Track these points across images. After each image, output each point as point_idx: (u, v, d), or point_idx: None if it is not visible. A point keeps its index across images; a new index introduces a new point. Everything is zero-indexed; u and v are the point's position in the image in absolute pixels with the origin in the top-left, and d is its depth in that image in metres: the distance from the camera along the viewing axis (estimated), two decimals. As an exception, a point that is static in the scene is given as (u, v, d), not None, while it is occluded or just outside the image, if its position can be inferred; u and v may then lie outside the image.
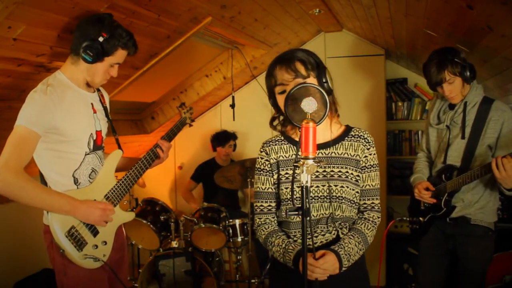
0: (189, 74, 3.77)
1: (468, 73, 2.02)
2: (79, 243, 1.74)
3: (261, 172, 1.58)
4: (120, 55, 1.78)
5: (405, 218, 2.51)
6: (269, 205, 1.57)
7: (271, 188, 1.57)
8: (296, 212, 1.23)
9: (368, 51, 3.72)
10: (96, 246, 1.80)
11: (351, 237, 1.47)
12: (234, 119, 3.66)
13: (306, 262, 1.25)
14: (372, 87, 3.73)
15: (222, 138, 3.86)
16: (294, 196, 1.46)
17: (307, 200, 1.22)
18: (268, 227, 1.56)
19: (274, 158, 1.56)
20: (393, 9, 2.42)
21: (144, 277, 3.22)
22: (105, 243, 1.85)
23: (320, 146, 1.51)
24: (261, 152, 1.59)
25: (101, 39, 1.68)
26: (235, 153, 4.11)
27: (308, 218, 1.23)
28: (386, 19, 2.70)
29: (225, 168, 3.45)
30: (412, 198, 2.44)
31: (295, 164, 1.22)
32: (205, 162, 4.06)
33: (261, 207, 1.58)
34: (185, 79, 3.80)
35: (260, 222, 1.58)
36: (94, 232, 1.81)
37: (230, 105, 3.64)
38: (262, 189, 1.58)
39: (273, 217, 1.58)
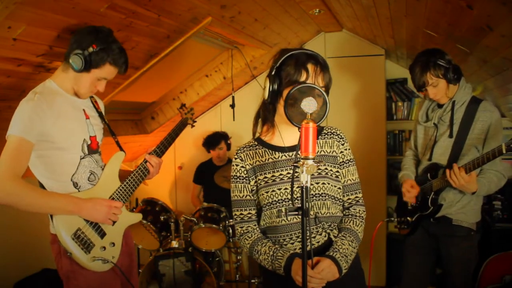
0: (189, 74, 3.77)
1: (451, 75, 2.03)
2: (86, 245, 1.72)
3: (238, 179, 1.54)
4: (108, 70, 1.75)
5: (392, 219, 2.52)
6: (249, 213, 1.54)
7: (249, 195, 1.54)
8: (296, 212, 1.22)
9: (368, 51, 3.72)
10: (104, 248, 1.78)
11: (343, 237, 1.46)
12: (234, 119, 3.66)
13: (306, 264, 1.24)
14: (372, 87, 3.73)
15: (212, 142, 3.86)
16: (281, 198, 1.45)
17: (307, 200, 1.20)
18: (252, 236, 1.52)
19: (250, 164, 1.53)
20: (393, 9, 2.42)
21: (144, 277, 3.22)
22: (113, 244, 1.83)
23: (294, 148, 1.49)
24: (235, 159, 1.56)
25: (90, 49, 1.67)
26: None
27: (307, 219, 1.22)
28: (386, 19, 2.70)
29: (225, 168, 3.45)
30: (399, 198, 2.45)
31: (295, 164, 1.21)
32: (202, 163, 4.08)
33: (241, 216, 1.54)
34: (185, 79, 3.79)
35: (242, 231, 1.54)
36: (101, 233, 1.78)
37: (230, 105, 3.64)
38: (240, 197, 1.54)
39: (255, 225, 1.55)
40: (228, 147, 3.93)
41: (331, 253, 1.40)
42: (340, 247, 1.42)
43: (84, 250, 1.72)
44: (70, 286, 1.76)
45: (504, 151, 1.74)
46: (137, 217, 1.97)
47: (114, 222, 1.83)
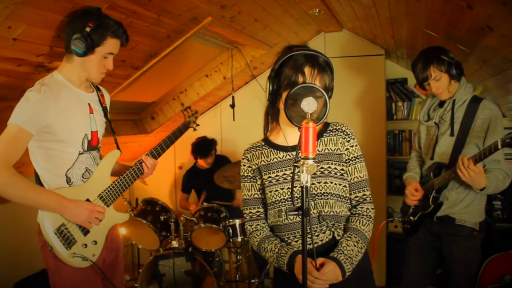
0: (189, 74, 3.77)
1: (454, 70, 2.05)
2: (68, 241, 1.73)
3: (245, 179, 1.58)
4: (111, 44, 1.74)
5: (397, 219, 2.52)
6: (258, 211, 1.57)
7: (257, 194, 1.57)
8: (296, 212, 1.22)
9: (368, 51, 3.72)
10: (86, 245, 1.79)
11: (348, 238, 1.45)
12: (234, 119, 3.66)
13: (306, 263, 1.24)
14: (372, 87, 3.73)
15: (204, 150, 3.75)
16: (284, 197, 1.46)
17: (307, 200, 1.20)
18: (260, 234, 1.55)
19: (256, 163, 1.56)
20: (393, 9, 2.43)
21: (144, 277, 3.22)
22: (95, 242, 1.83)
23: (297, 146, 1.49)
24: (243, 159, 1.60)
25: (88, 29, 1.65)
26: (235, 153, 4.11)
27: (308, 218, 1.22)
28: (386, 19, 2.70)
29: (225, 168, 3.45)
30: (404, 199, 2.45)
31: (295, 164, 1.21)
32: (188, 171, 4.02)
33: (250, 214, 1.58)
34: (185, 79, 3.79)
35: (251, 230, 1.57)
36: (85, 231, 1.80)
37: (230, 105, 3.64)
38: (248, 196, 1.58)
39: (264, 223, 1.57)
40: (215, 151, 3.88)
41: (335, 255, 1.40)
42: (344, 249, 1.41)
43: (65, 246, 1.73)
44: (53, 279, 1.78)
45: (499, 147, 1.74)
46: (123, 217, 1.97)
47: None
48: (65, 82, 1.75)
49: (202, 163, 3.83)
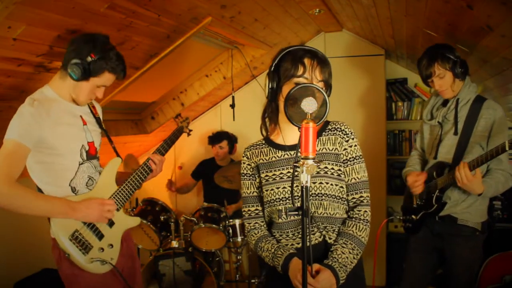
0: (189, 74, 3.77)
1: (458, 69, 2.05)
2: (84, 247, 1.73)
3: (245, 176, 1.59)
4: (107, 78, 1.75)
5: (398, 217, 2.52)
6: (256, 209, 1.57)
7: (256, 192, 1.57)
8: (296, 212, 1.22)
9: (368, 51, 3.72)
10: (102, 249, 1.79)
11: (344, 245, 1.43)
12: (234, 119, 3.66)
13: (306, 263, 1.23)
14: (372, 87, 3.73)
15: (215, 138, 3.85)
16: (281, 196, 1.46)
17: (307, 200, 1.20)
18: (258, 232, 1.56)
19: (255, 161, 1.56)
20: (393, 9, 2.43)
21: (144, 277, 3.21)
22: (111, 246, 1.84)
23: (295, 147, 1.48)
24: (243, 157, 1.60)
25: (89, 59, 1.67)
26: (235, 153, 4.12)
27: (307, 219, 1.21)
28: (386, 19, 2.70)
29: (225, 168, 3.45)
30: (405, 197, 2.45)
31: (295, 164, 1.21)
32: (205, 160, 4.07)
33: (249, 212, 1.58)
34: (185, 79, 3.80)
35: (250, 228, 1.58)
36: (99, 235, 1.80)
37: (230, 105, 3.64)
38: (247, 193, 1.58)
39: (262, 221, 1.58)
40: (231, 149, 3.90)
41: (330, 262, 1.39)
42: (339, 257, 1.41)
43: (82, 251, 1.73)
44: None
45: (507, 148, 1.73)
46: (135, 221, 1.98)
47: (112, 222, 1.84)
48: (55, 97, 1.76)
49: (213, 151, 3.86)
